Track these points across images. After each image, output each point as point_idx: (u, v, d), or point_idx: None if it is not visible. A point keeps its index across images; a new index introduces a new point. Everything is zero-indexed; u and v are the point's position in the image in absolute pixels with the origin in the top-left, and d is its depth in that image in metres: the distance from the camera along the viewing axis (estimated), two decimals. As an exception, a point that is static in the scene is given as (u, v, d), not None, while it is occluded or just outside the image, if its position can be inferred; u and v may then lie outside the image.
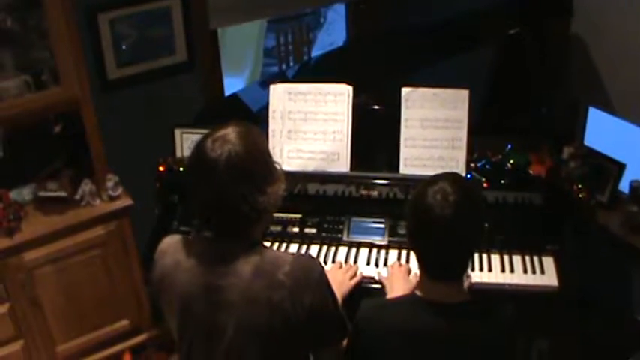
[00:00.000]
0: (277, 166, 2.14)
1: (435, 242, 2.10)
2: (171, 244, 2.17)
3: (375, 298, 2.51)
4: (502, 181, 3.03)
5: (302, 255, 2.54)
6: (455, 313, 2.12)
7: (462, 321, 2.12)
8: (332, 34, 7.49)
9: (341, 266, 2.87)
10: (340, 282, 2.73)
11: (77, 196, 3.42)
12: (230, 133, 2.02)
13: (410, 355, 2.14)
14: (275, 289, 2.00)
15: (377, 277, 2.81)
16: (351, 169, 3.07)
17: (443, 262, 2.13)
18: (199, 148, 2.04)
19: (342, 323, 2.18)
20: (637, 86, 3.47)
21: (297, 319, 2.02)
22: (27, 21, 3.14)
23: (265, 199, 2.04)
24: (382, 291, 2.71)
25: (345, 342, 2.25)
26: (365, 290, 2.77)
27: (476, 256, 2.89)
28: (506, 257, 2.92)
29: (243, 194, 1.99)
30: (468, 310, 2.15)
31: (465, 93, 3.03)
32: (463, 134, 3.02)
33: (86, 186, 3.42)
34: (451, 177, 2.17)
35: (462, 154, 3.03)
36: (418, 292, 2.21)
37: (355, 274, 2.82)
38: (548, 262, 2.89)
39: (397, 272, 2.75)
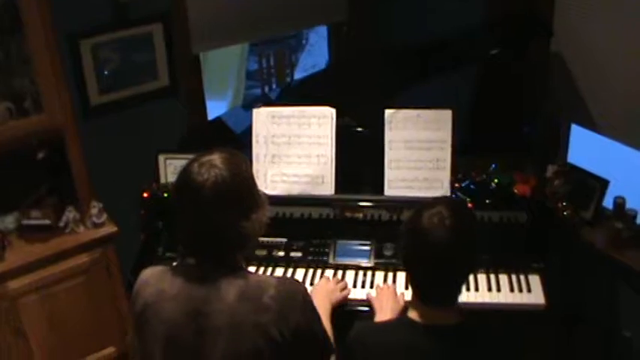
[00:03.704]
0: (261, 193, 2.15)
1: (430, 266, 2.09)
2: (152, 275, 2.15)
3: (367, 321, 2.51)
4: (487, 201, 3.04)
5: (286, 278, 2.58)
6: (449, 335, 2.12)
7: (456, 343, 2.11)
8: (314, 55, 7.52)
9: (329, 280, 2.89)
10: (331, 290, 2.76)
11: (61, 224, 3.40)
12: (216, 158, 2.03)
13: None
14: (261, 313, 2.01)
15: (366, 298, 2.80)
16: (336, 191, 3.07)
17: (437, 287, 2.13)
18: (185, 172, 2.05)
19: (326, 344, 2.21)
20: (618, 103, 3.49)
21: (284, 342, 2.02)
22: (8, 48, 3.13)
23: (250, 224, 2.05)
24: (370, 312, 2.70)
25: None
26: (353, 313, 2.76)
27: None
28: (492, 276, 2.92)
29: (228, 218, 2.00)
30: (462, 332, 2.14)
31: (447, 113, 3.04)
32: (447, 154, 3.03)
33: (70, 213, 3.40)
34: (448, 201, 2.19)
35: (446, 175, 3.03)
36: (410, 315, 2.20)
37: (345, 287, 2.85)
38: (535, 280, 2.89)
39: (386, 293, 2.74)
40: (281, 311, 2.02)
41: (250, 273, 2.14)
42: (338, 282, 2.87)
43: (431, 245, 2.06)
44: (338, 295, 2.77)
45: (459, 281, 2.16)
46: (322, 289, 2.78)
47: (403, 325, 2.21)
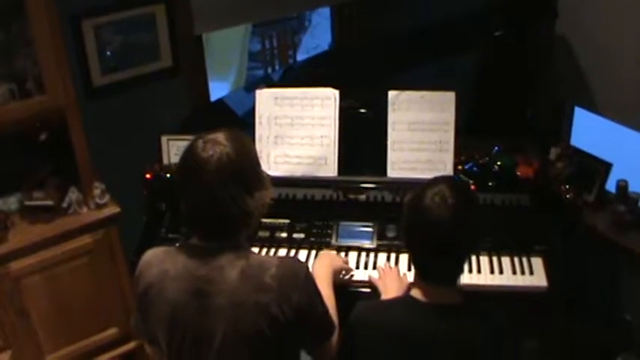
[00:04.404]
0: (264, 174, 2.17)
1: (431, 245, 2.10)
2: (155, 255, 2.17)
3: (370, 300, 2.52)
4: (490, 183, 3.04)
5: (287, 257, 2.60)
6: (451, 315, 2.13)
7: (458, 323, 2.12)
8: (317, 37, 7.50)
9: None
10: (333, 257, 2.79)
11: (64, 205, 3.40)
12: (221, 136, 2.06)
13: (405, 356, 2.14)
14: (262, 292, 2.02)
15: (369, 279, 2.80)
16: (339, 173, 3.07)
17: (438, 265, 2.14)
18: (190, 148, 2.07)
19: (329, 321, 2.22)
20: (622, 86, 3.48)
21: (286, 320, 2.03)
22: (10, 29, 3.12)
23: (253, 203, 2.07)
24: (374, 294, 2.71)
25: (334, 339, 2.27)
26: (355, 294, 2.77)
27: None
28: (495, 259, 2.92)
29: (232, 195, 2.02)
30: (464, 312, 2.15)
31: (451, 95, 3.03)
32: (450, 136, 3.02)
33: (73, 194, 3.40)
34: (450, 180, 2.20)
35: (449, 157, 3.03)
36: (413, 293, 2.21)
37: (347, 263, 2.87)
38: (537, 262, 2.89)
39: (389, 273, 2.74)
40: (282, 290, 2.03)
41: (253, 253, 2.16)
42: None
43: (433, 224, 2.07)
44: (341, 263, 2.79)
45: (460, 260, 2.17)
46: (325, 256, 2.80)
47: (406, 304, 2.22)
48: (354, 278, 2.85)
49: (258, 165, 2.15)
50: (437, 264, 2.15)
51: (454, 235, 2.08)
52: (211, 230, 2.09)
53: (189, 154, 2.07)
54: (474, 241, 2.20)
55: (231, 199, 2.02)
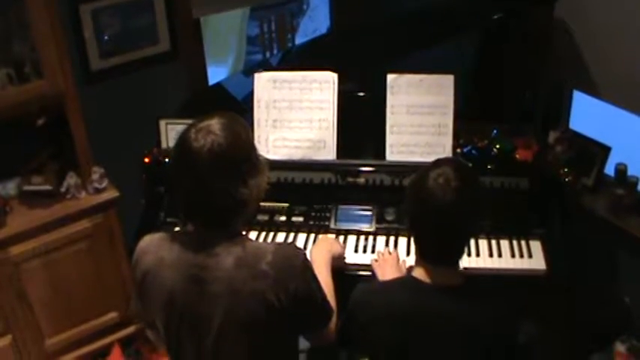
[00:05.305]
0: (261, 159, 2.13)
1: (434, 226, 2.10)
2: (151, 242, 2.16)
3: (369, 282, 2.52)
4: (489, 167, 3.04)
5: (284, 244, 2.57)
6: (452, 295, 2.13)
7: (459, 304, 2.13)
8: (315, 20, 7.46)
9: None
10: (331, 242, 2.79)
11: (62, 189, 3.40)
12: (214, 123, 2.02)
13: (406, 337, 2.15)
14: (259, 280, 2.01)
15: (370, 263, 2.80)
16: (338, 156, 3.07)
17: (441, 246, 2.14)
18: (183, 138, 2.04)
19: (326, 307, 2.23)
20: (621, 69, 3.48)
21: (283, 307, 2.03)
22: (8, 14, 3.11)
23: (247, 191, 2.04)
24: (372, 278, 2.71)
25: (332, 324, 2.27)
26: (354, 278, 2.77)
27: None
28: (493, 242, 2.92)
29: (225, 185, 1.99)
30: (466, 293, 2.15)
31: (450, 78, 3.03)
32: (449, 120, 3.02)
33: (71, 179, 3.40)
34: (454, 162, 2.19)
35: (448, 140, 3.03)
36: (415, 274, 2.21)
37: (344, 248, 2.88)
38: (536, 246, 2.90)
39: (388, 259, 2.75)
40: (278, 277, 2.02)
41: (249, 240, 2.14)
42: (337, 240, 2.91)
43: (436, 206, 2.06)
44: (339, 248, 2.79)
45: (463, 241, 2.18)
46: (324, 241, 2.81)
47: (407, 284, 2.22)
48: (353, 261, 2.85)
49: (253, 150, 2.10)
50: (439, 245, 2.15)
51: (457, 217, 2.08)
52: (206, 219, 2.07)
53: (181, 143, 2.04)
54: (476, 222, 2.20)
55: (224, 189, 1.99)
